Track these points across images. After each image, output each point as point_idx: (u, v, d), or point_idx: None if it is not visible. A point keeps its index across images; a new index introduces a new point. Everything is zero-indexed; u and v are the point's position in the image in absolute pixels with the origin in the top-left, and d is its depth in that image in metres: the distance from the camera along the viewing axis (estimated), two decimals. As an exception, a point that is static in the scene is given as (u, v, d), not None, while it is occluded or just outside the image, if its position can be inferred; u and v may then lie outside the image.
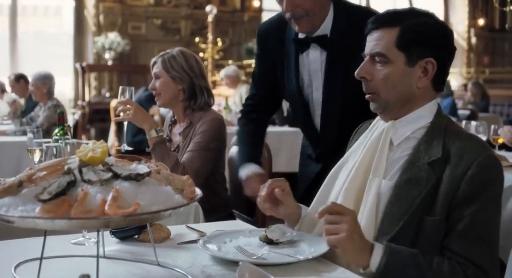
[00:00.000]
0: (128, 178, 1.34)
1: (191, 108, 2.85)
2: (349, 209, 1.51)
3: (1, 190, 1.31)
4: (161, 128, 2.80)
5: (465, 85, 12.36)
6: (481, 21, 15.71)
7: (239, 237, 1.73)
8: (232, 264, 1.51)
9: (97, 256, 1.28)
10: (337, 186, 1.77)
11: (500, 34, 15.84)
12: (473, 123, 3.86)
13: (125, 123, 2.72)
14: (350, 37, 2.20)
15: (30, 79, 5.67)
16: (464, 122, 3.99)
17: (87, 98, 10.90)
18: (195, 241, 1.73)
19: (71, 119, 7.08)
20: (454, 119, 7.29)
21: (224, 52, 10.94)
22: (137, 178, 1.34)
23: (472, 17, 15.67)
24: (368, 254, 1.48)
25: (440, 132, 1.64)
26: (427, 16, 1.68)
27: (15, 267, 1.48)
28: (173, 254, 1.63)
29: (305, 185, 2.50)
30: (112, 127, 7.74)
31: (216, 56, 10.75)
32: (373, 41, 1.67)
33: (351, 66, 2.15)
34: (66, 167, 1.35)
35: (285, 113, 6.06)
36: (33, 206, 1.25)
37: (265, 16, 11.57)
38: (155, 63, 2.92)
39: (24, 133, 4.96)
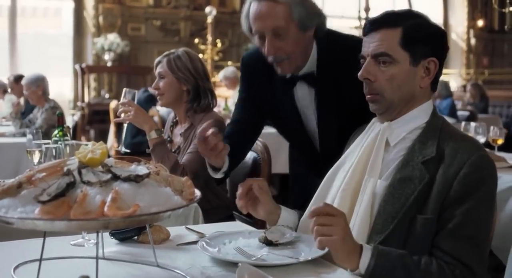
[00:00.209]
0: (127, 179, 1.34)
1: (193, 109, 2.86)
2: (341, 211, 1.51)
3: (1, 191, 1.31)
4: (162, 129, 2.81)
5: (464, 87, 12.36)
6: (480, 22, 15.72)
7: (239, 238, 1.73)
8: (232, 265, 1.51)
9: (97, 257, 1.28)
10: (335, 187, 1.78)
11: (499, 35, 15.84)
12: (473, 124, 3.87)
13: (125, 125, 2.72)
14: (337, 70, 2.15)
15: (23, 85, 5.64)
16: (463, 123, 3.99)
17: (86, 99, 10.89)
18: (194, 242, 1.73)
19: (70, 121, 7.09)
20: (453, 120, 7.31)
21: (223, 54, 10.94)
22: (136, 179, 1.34)
23: (472, 18, 15.67)
24: (357, 256, 1.49)
25: (435, 132, 1.65)
26: (423, 17, 1.71)
27: (15, 268, 1.48)
28: (172, 255, 1.63)
29: (306, 197, 2.45)
30: (112, 129, 7.73)
31: (216, 58, 10.74)
32: (375, 42, 1.67)
33: (343, 97, 2.16)
34: (65, 168, 1.35)
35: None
36: (32, 207, 1.25)
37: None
38: (159, 62, 2.92)
39: (23, 135, 4.96)
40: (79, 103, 10.90)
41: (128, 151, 2.71)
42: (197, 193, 1.45)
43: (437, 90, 7.72)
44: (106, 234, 1.76)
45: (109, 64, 11.27)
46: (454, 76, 15.19)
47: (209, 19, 10.49)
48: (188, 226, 1.95)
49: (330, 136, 2.24)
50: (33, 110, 5.83)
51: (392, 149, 1.70)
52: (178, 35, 11.94)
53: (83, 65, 11.00)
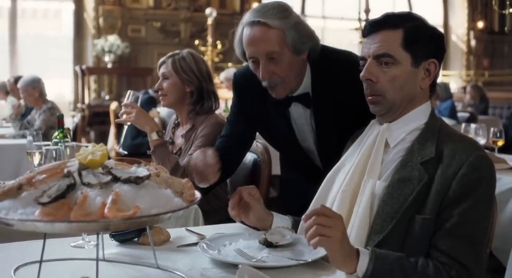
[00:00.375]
0: (127, 181, 1.34)
1: (195, 111, 2.86)
2: (339, 214, 1.50)
3: (1, 193, 1.31)
4: (163, 131, 2.81)
5: (464, 88, 12.36)
6: (480, 24, 15.72)
7: (239, 239, 1.73)
8: (232, 267, 1.51)
9: (97, 259, 1.28)
10: (334, 188, 1.79)
11: (499, 37, 15.84)
12: (473, 126, 3.87)
13: (125, 127, 2.73)
14: (332, 88, 2.15)
15: (19, 88, 5.64)
16: (463, 125, 3.99)
17: (86, 101, 10.89)
18: (194, 244, 1.73)
19: (70, 122, 7.08)
20: (453, 122, 7.30)
21: (223, 55, 10.93)
22: (136, 181, 1.34)
23: (472, 19, 15.67)
24: (354, 260, 1.48)
25: (434, 133, 1.66)
26: (422, 20, 1.73)
27: (15, 270, 1.48)
28: (172, 257, 1.63)
29: (300, 204, 2.43)
30: (112, 130, 7.74)
31: (216, 59, 10.74)
32: (376, 43, 1.67)
33: (341, 112, 2.16)
34: (65, 170, 1.35)
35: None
36: (32, 209, 1.25)
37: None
38: (163, 63, 2.92)
39: (23, 137, 4.96)
40: (79, 105, 10.90)
41: (125, 152, 2.72)
42: (197, 194, 1.45)
43: (437, 92, 7.71)
44: (106, 236, 1.76)
45: (109, 65, 11.28)
46: (454, 78, 15.20)
47: (209, 21, 10.49)
48: (188, 228, 1.95)
49: (330, 151, 2.23)
50: (31, 112, 5.83)
51: (391, 150, 1.70)
52: (178, 36, 11.94)
53: (83, 67, 11.01)
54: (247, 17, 2.08)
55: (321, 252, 1.56)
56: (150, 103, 7.66)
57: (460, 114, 8.07)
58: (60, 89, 11.64)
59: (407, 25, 1.67)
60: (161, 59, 2.94)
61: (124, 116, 2.67)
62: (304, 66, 2.16)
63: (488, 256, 1.67)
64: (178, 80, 2.87)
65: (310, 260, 1.56)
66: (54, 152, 2.18)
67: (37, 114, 5.54)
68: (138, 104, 2.72)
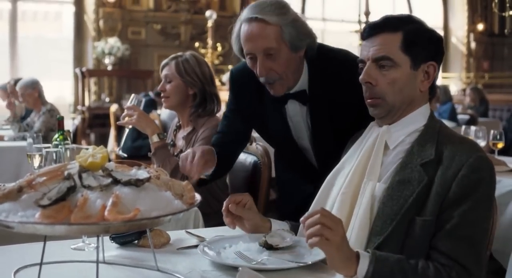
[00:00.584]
0: (128, 183, 1.34)
1: (197, 113, 2.86)
2: (339, 218, 1.50)
3: (1, 195, 1.31)
4: (164, 134, 2.82)
5: (464, 90, 12.37)
6: (480, 26, 15.73)
7: (239, 242, 1.73)
8: (232, 269, 1.51)
9: (97, 262, 1.28)
10: (334, 191, 1.78)
11: (499, 39, 15.85)
12: (473, 128, 3.87)
13: (127, 129, 2.74)
14: (329, 86, 2.15)
15: (18, 91, 5.65)
16: (463, 127, 3.99)
17: (86, 103, 10.90)
18: (194, 247, 1.73)
19: (70, 124, 7.08)
20: (453, 124, 7.29)
21: (223, 57, 10.95)
22: (137, 183, 1.35)
23: (472, 22, 15.69)
24: (354, 263, 1.47)
25: (434, 135, 1.66)
26: (421, 22, 1.73)
27: (15, 272, 1.48)
28: (172, 260, 1.63)
29: (295, 204, 2.40)
30: (112, 133, 7.74)
31: (216, 61, 10.76)
32: (375, 46, 1.67)
33: (337, 112, 2.16)
34: (66, 173, 1.35)
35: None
36: (33, 212, 1.25)
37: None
38: (166, 64, 2.92)
39: (23, 139, 4.96)
40: (79, 107, 10.91)
41: (125, 155, 2.73)
42: (198, 197, 1.45)
43: (437, 95, 7.71)
44: (107, 238, 1.76)
45: (109, 68, 11.29)
46: (454, 80, 15.21)
47: (209, 23, 10.50)
48: (188, 230, 1.96)
49: (326, 150, 2.24)
50: (31, 114, 5.83)
51: (391, 152, 1.70)
52: (179, 39, 11.96)
53: (84, 69, 11.02)
54: (245, 13, 2.09)
55: (321, 254, 1.56)
56: (151, 105, 7.67)
57: (460, 117, 8.08)
58: (60, 91, 11.66)
59: (406, 28, 1.67)
60: (164, 61, 2.94)
61: (127, 118, 2.69)
62: (302, 63, 2.17)
63: (488, 258, 1.67)
64: (181, 82, 2.87)
65: (310, 262, 1.56)
66: (54, 154, 2.18)
67: (36, 117, 5.54)
68: (141, 107, 2.73)
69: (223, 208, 1.84)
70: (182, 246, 1.77)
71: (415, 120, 1.70)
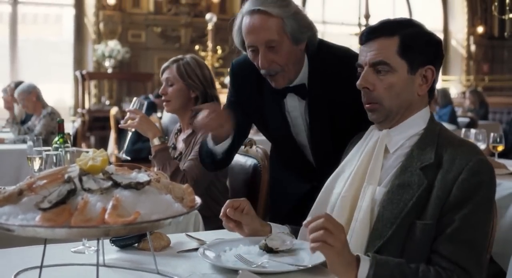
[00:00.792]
0: (128, 186, 1.34)
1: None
2: (341, 224, 1.50)
3: (1, 198, 1.31)
4: (166, 137, 2.82)
5: (464, 93, 12.38)
6: (480, 29, 15.74)
7: (239, 245, 1.73)
8: (232, 272, 1.51)
9: (97, 265, 1.28)
10: (334, 194, 1.78)
11: (499, 42, 15.86)
12: (473, 131, 3.87)
13: (130, 132, 2.75)
14: (329, 82, 2.16)
15: (16, 97, 5.65)
16: (463, 130, 3.99)
17: (87, 106, 10.90)
18: (195, 250, 1.73)
19: (71, 127, 7.08)
20: (453, 127, 7.29)
21: (223, 60, 10.94)
22: (137, 186, 1.35)
23: (471, 25, 15.70)
24: (354, 268, 1.48)
25: (433, 138, 1.66)
26: (419, 26, 1.72)
27: (15, 276, 1.48)
28: (173, 263, 1.63)
29: (290, 203, 2.43)
30: (112, 135, 7.74)
31: (216, 64, 10.75)
32: (372, 51, 1.67)
33: (336, 108, 2.17)
34: (66, 176, 1.35)
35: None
36: (33, 215, 1.25)
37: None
38: (167, 67, 2.92)
39: (23, 142, 4.96)
40: (79, 110, 10.91)
41: (129, 158, 2.74)
42: (198, 200, 1.45)
43: (435, 97, 7.72)
44: (107, 241, 1.76)
45: (109, 71, 11.29)
46: (454, 83, 15.21)
47: (210, 26, 10.50)
48: (188, 233, 1.96)
49: (323, 147, 2.25)
50: (31, 118, 5.83)
51: (391, 156, 1.70)
52: (179, 42, 11.96)
53: (84, 72, 11.02)
54: (246, 6, 2.10)
55: (321, 257, 1.56)
56: (151, 108, 7.66)
57: (460, 119, 8.08)
58: (60, 94, 11.65)
59: (403, 32, 1.67)
60: (165, 64, 2.94)
61: (129, 121, 2.69)
62: (302, 57, 2.18)
63: (489, 261, 1.67)
64: (183, 85, 2.87)
65: (310, 265, 1.55)
66: (54, 157, 2.18)
67: (37, 120, 5.54)
68: (143, 111, 2.74)
69: (221, 214, 1.84)
70: (182, 249, 1.77)
71: (415, 124, 1.70)
